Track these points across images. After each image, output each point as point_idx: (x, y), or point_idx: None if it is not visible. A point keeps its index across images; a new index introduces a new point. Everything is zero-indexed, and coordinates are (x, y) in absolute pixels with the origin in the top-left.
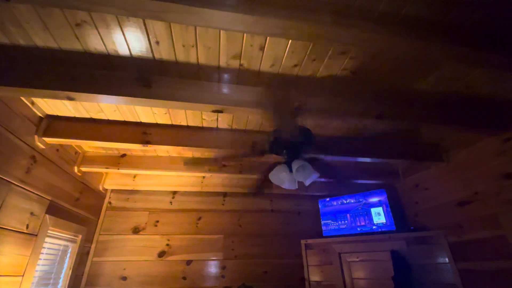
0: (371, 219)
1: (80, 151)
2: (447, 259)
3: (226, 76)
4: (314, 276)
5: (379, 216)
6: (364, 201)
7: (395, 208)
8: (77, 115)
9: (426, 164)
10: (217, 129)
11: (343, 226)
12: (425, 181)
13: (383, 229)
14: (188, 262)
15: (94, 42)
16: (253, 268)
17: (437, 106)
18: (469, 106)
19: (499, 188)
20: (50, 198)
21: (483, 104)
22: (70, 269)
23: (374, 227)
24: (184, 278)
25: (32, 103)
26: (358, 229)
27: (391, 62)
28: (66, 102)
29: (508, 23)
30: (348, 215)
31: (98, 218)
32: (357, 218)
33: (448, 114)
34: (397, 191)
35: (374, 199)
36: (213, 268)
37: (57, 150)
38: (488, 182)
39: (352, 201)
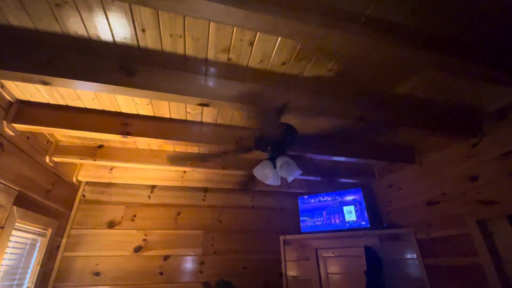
0: (343, 217)
1: (52, 140)
2: (415, 255)
3: (213, 69)
4: (292, 271)
5: (350, 214)
6: (340, 199)
7: (370, 206)
8: (51, 102)
9: (401, 166)
10: (201, 123)
11: (319, 223)
12: (399, 182)
13: (353, 227)
14: (166, 258)
15: (75, 25)
16: (232, 264)
17: (414, 110)
18: (443, 112)
19: (465, 189)
20: (18, 189)
21: (455, 110)
22: (38, 264)
23: (346, 224)
24: (161, 273)
25: (2, 86)
26: (336, 225)
27: (374, 65)
28: (40, 87)
29: (483, 35)
30: (324, 212)
31: (71, 211)
32: (332, 216)
33: (423, 119)
34: (373, 190)
35: (349, 198)
36: (191, 263)
37: (28, 138)
38: (455, 183)
39: (329, 199)
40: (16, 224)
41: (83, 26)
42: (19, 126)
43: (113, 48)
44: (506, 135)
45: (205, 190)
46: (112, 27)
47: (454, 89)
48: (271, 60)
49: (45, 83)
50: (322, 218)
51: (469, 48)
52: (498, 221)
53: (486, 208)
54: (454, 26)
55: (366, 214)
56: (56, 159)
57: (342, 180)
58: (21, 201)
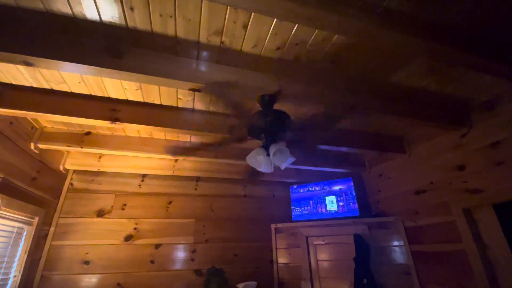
0: (326, 206)
1: (37, 126)
2: (402, 242)
3: (205, 53)
4: (282, 258)
5: (332, 204)
6: (328, 189)
7: (360, 195)
8: (35, 85)
9: (391, 156)
10: (193, 110)
11: (306, 212)
12: (388, 171)
13: (335, 216)
14: (157, 246)
15: (58, 2)
16: (224, 252)
17: (406, 100)
18: (433, 102)
19: (452, 178)
20: (2, 176)
21: (445, 101)
22: (25, 253)
23: (328, 213)
24: (152, 261)
25: None
26: (321, 214)
27: (368, 53)
28: (23, 69)
29: (477, 24)
30: (311, 201)
31: (58, 200)
32: (318, 205)
33: (414, 108)
34: (363, 180)
35: (337, 187)
36: (182, 251)
37: (11, 123)
38: (443, 173)
39: (317, 189)
40: (0, 212)
41: (67, 3)
42: (1, 110)
43: (100, 28)
44: (493, 126)
45: (197, 179)
46: (98, 4)
47: (445, 79)
48: (265, 44)
49: (28, 63)
50: (309, 208)
51: (463, 37)
52: (483, 209)
53: (472, 196)
54: (449, 14)
55: (355, 203)
56: (41, 146)
57: (333, 169)
58: (5, 188)
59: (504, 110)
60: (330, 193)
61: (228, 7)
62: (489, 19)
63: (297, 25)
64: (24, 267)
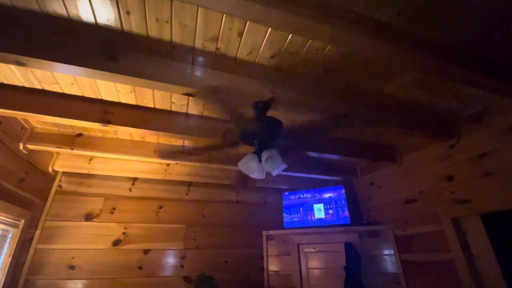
0: (314, 215)
1: (27, 127)
2: (392, 251)
3: (200, 59)
4: (273, 266)
5: (319, 211)
6: (319, 196)
7: (351, 203)
8: (26, 85)
9: (382, 164)
10: (186, 114)
11: (296, 219)
12: (379, 180)
13: (322, 224)
14: (146, 252)
15: (54, 3)
16: (214, 258)
17: (397, 110)
18: (423, 114)
19: (441, 188)
20: None
21: (435, 112)
22: (9, 256)
23: (316, 221)
24: (140, 267)
25: None
26: (310, 222)
27: (360, 64)
28: (14, 68)
29: (465, 39)
30: (301, 209)
31: (45, 202)
32: (307, 212)
33: (405, 119)
34: (355, 188)
35: (327, 195)
36: (172, 257)
37: (0, 122)
38: (432, 182)
39: (308, 196)
40: None
41: (63, 5)
42: None
43: (95, 31)
44: (481, 137)
45: (189, 184)
46: (94, 7)
47: (434, 91)
48: (260, 52)
49: (20, 63)
50: (299, 215)
51: (452, 51)
52: (471, 219)
53: (460, 206)
54: (438, 29)
55: (345, 211)
56: (30, 146)
57: (325, 177)
58: None
59: (491, 123)
60: (320, 201)
61: (224, 15)
62: (477, 34)
63: (291, 34)
64: (8, 271)
